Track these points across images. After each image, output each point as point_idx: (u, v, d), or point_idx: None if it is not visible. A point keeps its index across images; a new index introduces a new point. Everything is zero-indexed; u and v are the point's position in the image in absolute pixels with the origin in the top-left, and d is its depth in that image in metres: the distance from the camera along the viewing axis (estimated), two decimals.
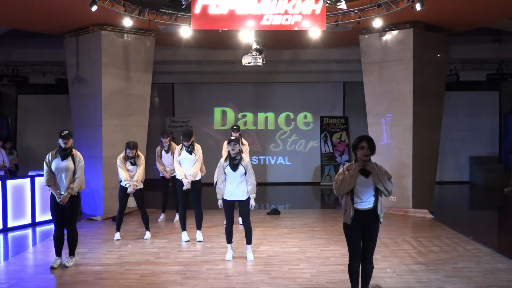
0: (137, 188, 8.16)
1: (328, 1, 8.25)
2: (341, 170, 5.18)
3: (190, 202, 8.17)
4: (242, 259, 7.02)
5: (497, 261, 6.86)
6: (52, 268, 6.62)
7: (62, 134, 6.65)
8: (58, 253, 6.75)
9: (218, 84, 15.44)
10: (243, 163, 6.75)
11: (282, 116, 15.68)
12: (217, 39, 11.03)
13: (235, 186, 6.76)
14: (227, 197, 6.83)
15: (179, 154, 8.05)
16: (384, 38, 10.58)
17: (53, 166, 6.63)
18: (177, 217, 9.54)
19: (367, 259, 5.15)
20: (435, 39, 10.60)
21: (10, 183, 9.28)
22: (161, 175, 9.68)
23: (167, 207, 9.94)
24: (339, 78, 15.45)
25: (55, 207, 6.66)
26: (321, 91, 15.66)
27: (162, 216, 9.84)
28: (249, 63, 9.34)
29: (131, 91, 10.67)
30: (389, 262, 6.81)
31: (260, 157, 15.51)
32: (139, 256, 7.29)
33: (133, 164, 8.12)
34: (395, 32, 10.45)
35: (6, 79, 14.50)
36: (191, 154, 8.01)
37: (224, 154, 9.14)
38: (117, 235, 8.26)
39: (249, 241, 7.01)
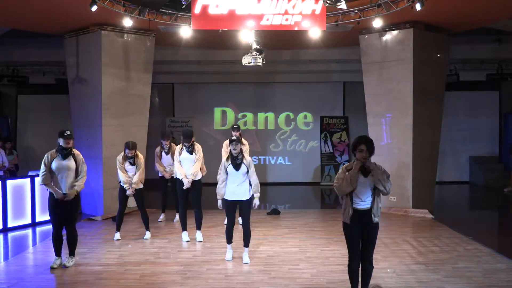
0: (137, 188, 8.17)
1: (328, 1, 8.25)
2: (340, 170, 5.18)
3: (190, 202, 8.17)
4: (242, 259, 7.02)
5: (497, 261, 6.86)
6: (52, 268, 6.62)
7: (65, 134, 6.65)
8: (58, 253, 6.75)
9: (218, 84, 15.44)
10: (245, 162, 6.73)
11: (282, 116, 15.69)
12: (217, 39, 11.03)
13: (236, 185, 6.73)
14: (228, 197, 6.79)
15: (180, 154, 8.04)
16: (384, 38, 10.58)
17: (53, 166, 6.61)
18: (177, 217, 9.55)
19: (366, 259, 5.16)
20: (435, 39, 10.60)
21: (10, 183, 9.28)
22: (160, 175, 9.69)
23: (166, 207, 9.95)
24: (339, 78, 15.45)
25: (55, 207, 6.62)
26: (321, 91, 15.66)
27: (162, 216, 9.84)
28: (249, 63, 9.34)
29: (131, 91, 10.67)
30: (389, 262, 6.81)
31: (260, 157, 15.51)
32: (139, 256, 7.29)
33: (132, 164, 8.11)
34: (395, 32, 10.45)
35: (6, 79, 14.50)
36: (191, 154, 8.01)
37: (224, 153, 9.18)
38: (117, 235, 8.26)
39: (246, 244, 6.95)
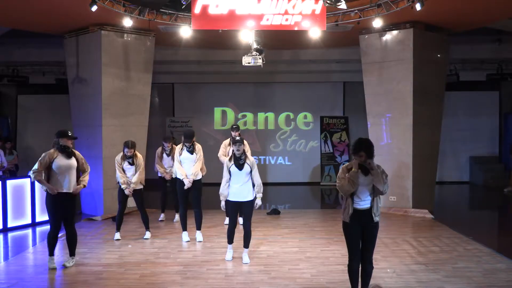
0: (137, 188, 8.16)
1: (328, 1, 8.25)
2: (341, 170, 5.19)
3: (190, 202, 8.16)
4: (241, 260, 7.02)
5: (497, 261, 6.86)
6: (52, 268, 6.62)
7: (69, 134, 6.68)
8: (52, 253, 6.72)
9: (218, 84, 15.44)
10: (248, 161, 6.71)
11: (282, 116, 15.69)
12: (217, 39, 11.03)
13: (240, 185, 6.68)
14: (232, 198, 6.74)
15: (180, 154, 8.03)
16: (384, 38, 10.58)
17: (55, 165, 6.55)
18: (177, 217, 9.56)
19: (366, 259, 5.16)
20: (435, 39, 10.60)
21: (10, 183, 9.28)
22: (159, 175, 9.68)
23: (166, 207, 9.95)
24: (339, 78, 15.45)
25: (54, 206, 6.55)
26: (321, 91, 15.66)
27: (162, 216, 9.84)
28: (249, 63, 9.34)
29: (131, 91, 10.67)
30: (389, 262, 6.81)
31: (260, 157, 15.50)
32: (139, 256, 7.29)
33: (131, 164, 8.08)
34: (395, 32, 10.45)
35: (6, 79, 14.51)
36: (192, 153, 8.02)
37: (221, 153, 9.18)
38: (117, 235, 8.26)
39: (246, 245, 6.91)
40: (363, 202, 5.06)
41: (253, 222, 9.37)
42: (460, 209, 12.31)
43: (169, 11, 9.54)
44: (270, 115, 15.70)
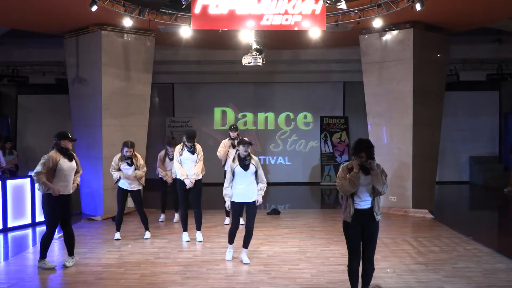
0: (137, 189, 8.14)
1: (328, 1, 8.24)
2: (341, 169, 5.18)
3: (190, 202, 8.15)
4: (241, 260, 7.02)
5: (497, 261, 6.86)
6: (49, 268, 6.62)
7: (70, 136, 6.67)
8: (45, 255, 6.72)
9: (218, 84, 15.44)
10: (253, 162, 6.70)
11: (282, 116, 15.68)
12: (217, 39, 11.03)
13: (245, 186, 6.63)
14: (237, 199, 6.69)
15: (181, 154, 7.99)
16: (384, 38, 10.58)
17: (59, 168, 6.48)
18: (176, 216, 9.57)
19: (368, 259, 5.15)
20: (435, 39, 10.60)
21: (10, 183, 9.28)
22: (160, 176, 9.67)
23: (166, 207, 9.94)
24: (339, 78, 15.45)
25: (55, 207, 6.52)
26: (321, 91, 15.66)
27: (162, 216, 9.84)
28: (249, 63, 9.33)
29: (131, 91, 10.66)
30: (389, 262, 6.81)
31: (260, 157, 15.47)
32: (139, 256, 7.29)
33: (130, 164, 8.03)
34: (395, 32, 10.45)
35: (6, 79, 14.50)
36: (193, 154, 8.01)
37: (222, 152, 9.15)
38: (117, 235, 8.26)
39: (246, 245, 6.88)
40: (364, 202, 5.06)
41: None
42: (460, 209, 12.32)
43: (169, 11, 9.54)
44: (270, 115, 15.70)
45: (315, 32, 9.69)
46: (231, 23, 9.14)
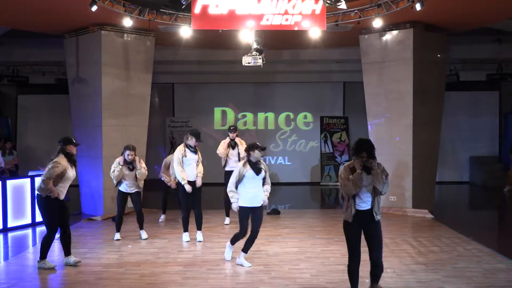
0: (135, 191, 8.11)
1: (328, 1, 8.25)
2: (343, 169, 5.14)
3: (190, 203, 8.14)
4: (242, 265, 7.00)
5: (497, 261, 6.86)
6: (49, 268, 6.62)
7: (74, 141, 6.73)
8: (46, 256, 6.73)
9: (218, 84, 15.44)
10: (263, 166, 6.62)
11: (282, 116, 15.69)
12: (217, 39, 11.03)
13: (255, 190, 6.54)
14: (246, 204, 6.54)
15: (185, 156, 7.85)
16: (384, 38, 10.58)
17: (66, 176, 6.55)
18: (162, 217, 9.60)
19: (375, 261, 5.09)
20: (435, 39, 10.59)
21: (10, 183, 9.28)
22: (162, 178, 9.62)
23: (167, 208, 9.94)
24: (339, 78, 15.46)
25: (58, 212, 6.60)
26: (321, 91, 15.67)
27: (162, 217, 9.84)
28: (249, 63, 9.33)
29: (131, 91, 10.66)
30: (389, 262, 6.80)
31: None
32: (139, 256, 7.29)
33: (131, 169, 7.96)
34: (395, 32, 10.45)
35: (6, 79, 14.52)
36: (195, 154, 7.99)
37: (222, 149, 9.16)
38: (117, 235, 8.25)
39: (247, 250, 6.76)
40: (364, 203, 5.04)
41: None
42: (460, 209, 12.32)
43: (169, 11, 9.53)
44: (270, 115, 15.70)
45: (315, 32, 9.69)
46: (231, 23, 9.14)
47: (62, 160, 6.50)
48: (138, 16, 9.24)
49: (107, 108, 10.27)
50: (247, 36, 9.77)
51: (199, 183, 7.97)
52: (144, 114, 10.95)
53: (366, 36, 10.81)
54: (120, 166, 7.89)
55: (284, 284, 5.99)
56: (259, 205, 6.63)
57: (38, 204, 6.72)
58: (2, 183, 9.11)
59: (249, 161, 6.53)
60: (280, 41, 11.45)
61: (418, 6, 8.33)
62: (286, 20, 9.10)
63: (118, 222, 8.26)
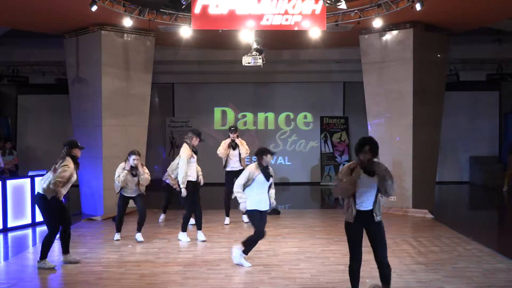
0: (140, 193, 8.05)
1: (328, 1, 8.25)
2: (341, 168, 5.11)
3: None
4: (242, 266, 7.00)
5: (497, 261, 6.86)
6: (50, 268, 6.63)
7: (80, 145, 6.80)
8: (46, 256, 6.74)
9: (218, 84, 15.45)
10: (271, 171, 6.69)
11: (282, 116, 15.69)
12: (217, 39, 11.03)
13: (263, 194, 6.58)
14: (253, 207, 6.56)
15: (192, 157, 7.90)
16: (384, 38, 10.58)
17: (73, 178, 6.69)
18: (162, 216, 9.57)
19: (381, 262, 5.04)
20: (435, 39, 10.59)
21: (10, 183, 9.28)
22: (167, 181, 9.55)
23: (168, 208, 9.93)
24: (339, 78, 15.46)
25: (60, 213, 6.69)
26: (321, 91, 15.66)
27: (162, 216, 9.82)
28: (249, 63, 9.34)
29: (131, 91, 10.66)
30: (389, 262, 6.79)
31: None
32: (139, 256, 7.29)
33: (134, 175, 7.87)
34: (395, 32, 10.45)
35: (6, 79, 14.52)
36: (196, 154, 8.06)
37: (222, 150, 9.19)
38: (117, 236, 8.25)
39: (248, 252, 6.77)
40: (366, 204, 4.97)
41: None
42: (460, 209, 12.32)
43: (169, 11, 9.53)
44: (270, 115, 15.70)
45: (315, 32, 9.69)
46: (231, 23, 9.14)
47: (70, 163, 6.61)
48: (138, 16, 9.24)
49: (107, 108, 10.27)
50: (247, 36, 9.77)
51: (202, 181, 8.13)
52: (144, 114, 10.95)
53: (366, 36, 10.81)
54: (126, 171, 7.82)
55: (284, 284, 5.99)
56: (265, 209, 6.65)
57: (38, 204, 6.74)
58: (2, 183, 9.11)
59: (261, 165, 6.55)
60: (280, 41, 11.45)
61: (418, 6, 8.33)
62: (286, 20, 9.10)
63: (118, 223, 8.26)
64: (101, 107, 10.20)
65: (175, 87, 15.78)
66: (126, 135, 10.47)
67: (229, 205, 9.49)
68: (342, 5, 8.24)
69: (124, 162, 7.94)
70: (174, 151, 15.14)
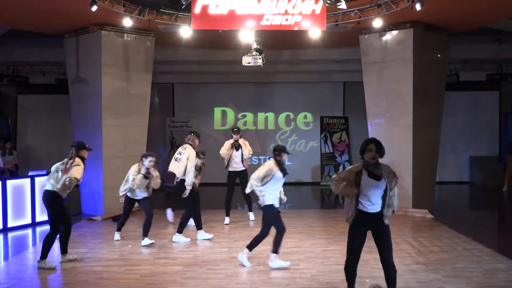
0: (144, 196, 7.97)
1: (328, 1, 8.25)
2: (345, 170, 5.04)
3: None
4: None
5: (497, 261, 6.86)
6: (51, 269, 6.63)
7: (87, 147, 6.94)
8: (46, 255, 6.75)
9: (218, 84, 15.44)
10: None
11: (282, 116, 15.68)
12: (217, 39, 11.03)
13: (278, 191, 6.72)
14: (273, 203, 6.64)
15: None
16: (384, 38, 10.58)
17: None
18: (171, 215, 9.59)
19: (387, 263, 5.00)
20: (435, 39, 10.59)
21: (10, 183, 9.28)
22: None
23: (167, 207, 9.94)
24: (339, 78, 15.45)
25: (65, 210, 6.90)
26: (321, 91, 15.66)
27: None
28: (249, 63, 9.34)
29: (131, 91, 10.66)
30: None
31: (260, 157, 15.49)
32: (139, 256, 7.29)
33: (146, 177, 7.81)
34: (395, 32, 10.45)
35: (6, 79, 14.52)
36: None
37: (225, 150, 9.23)
38: (117, 235, 8.24)
39: (252, 248, 6.82)
40: (373, 206, 4.92)
41: (253, 222, 9.42)
42: (460, 209, 12.32)
43: (169, 11, 9.53)
44: (270, 115, 15.70)
45: (315, 32, 9.69)
46: (231, 23, 9.14)
47: (81, 163, 6.76)
48: (138, 16, 9.24)
49: (107, 108, 10.27)
50: (247, 36, 9.77)
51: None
52: (144, 114, 10.95)
53: (366, 36, 10.81)
54: (141, 175, 7.73)
55: (284, 284, 5.99)
56: (278, 206, 6.75)
57: (49, 202, 6.74)
58: (2, 183, 9.11)
59: (279, 163, 6.60)
60: (280, 41, 11.45)
61: (418, 6, 8.33)
62: (286, 20, 9.10)
63: (120, 223, 8.20)
64: (101, 107, 10.20)
65: (175, 87, 15.78)
66: (126, 135, 10.47)
67: (230, 205, 9.51)
68: (342, 5, 8.24)
69: (137, 165, 7.82)
70: (174, 151, 15.11)
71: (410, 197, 10.42)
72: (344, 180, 4.94)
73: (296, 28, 9.26)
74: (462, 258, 7.03)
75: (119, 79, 10.44)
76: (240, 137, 9.44)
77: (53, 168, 6.88)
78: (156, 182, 7.88)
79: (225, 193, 9.53)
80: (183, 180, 8.06)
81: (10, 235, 8.93)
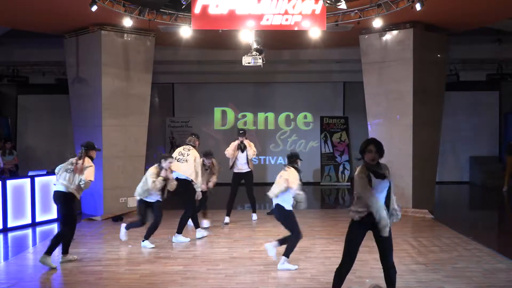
0: (158, 200, 7.84)
1: (328, 1, 8.25)
2: (359, 181, 4.90)
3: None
4: (242, 259, 7.04)
5: (497, 261, 6.86)
6: (52, 268, 6.63)
7: (96, 147, 7.08)
8: (51, 253, 6.78)
9: (218, 84, 15.44)
10: None
11: (282, 116, 15.68)
12: (217, 39, 11.03)
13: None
14: (292, 208, 6.86)
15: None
16: (384, 38, 10.58)
17: None
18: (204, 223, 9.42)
19: (387, 263, 4.98)
20: (435, 39, 10.59)
21: (10, 183, 9.28)
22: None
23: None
24: (339, 78, 15.46)
25: (75, 211, 7.07)
26: (321, 91, 15.66)
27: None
28: (249, 63, 9.34)
29: (131, 91, 10.66)
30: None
31: (260, 157, 15.50)
32: (139, 256, 7.29)
33: (164, 180, 7.72)
34: (395, 32, 10.45)
35: (6, 79, 14.52)
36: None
37: (231, 150, 9.39)
38: (147, 243, 7.86)
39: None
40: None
41: (253, 222, 9.42)
42: (460, 209, 12.32)
43: (169, 11, 9.54)
44: (270, 115, 15.69)
45: (315, 32, 9.69)
46: (231, 23, 9.14)
47: (92, 164, 6.87)
48: (138, 16, 9.24)
49: (107, 108, 10.27)
50: (247, 36, 9.77)
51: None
52: (144, 114, 10.95)
53: (366, 36, 10.81)
54: (161, 177, 7.64)
55: (284, 284, 6.00)
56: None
57: (64, 202, 6.79)
58: (2, 183, 9.11)
59: (297, 170, 6.96)
60: (280, 41, 11.45)
61: (418, 6, 8.33)
62: (286, 20, 9.10)
63: (148, 232, 7.88)
64: (101, 107, 10.20)
65: (175, 87, 15.78)
66: (126, 135, 10.47)
67: (232, 205, 9.54)
68: (342, 5, 8.24)
69: (155, 167, 7.74)
70: (174, 151, 15.12)
71: (410, 197, 10.42)
72: (363, 190, 4.88)
73: (296, 28, 9.26)
74: (462, 258, 7.04)
75: (119, 79, 10.44)
76: (246, 139, 9.59)
77: (58, 169, 6.90)
78: (172, 185, 7.81)
79: (227, 193, 9.56)
80: (187, 181, 8.08)
81: (10, 235, 8.92)
